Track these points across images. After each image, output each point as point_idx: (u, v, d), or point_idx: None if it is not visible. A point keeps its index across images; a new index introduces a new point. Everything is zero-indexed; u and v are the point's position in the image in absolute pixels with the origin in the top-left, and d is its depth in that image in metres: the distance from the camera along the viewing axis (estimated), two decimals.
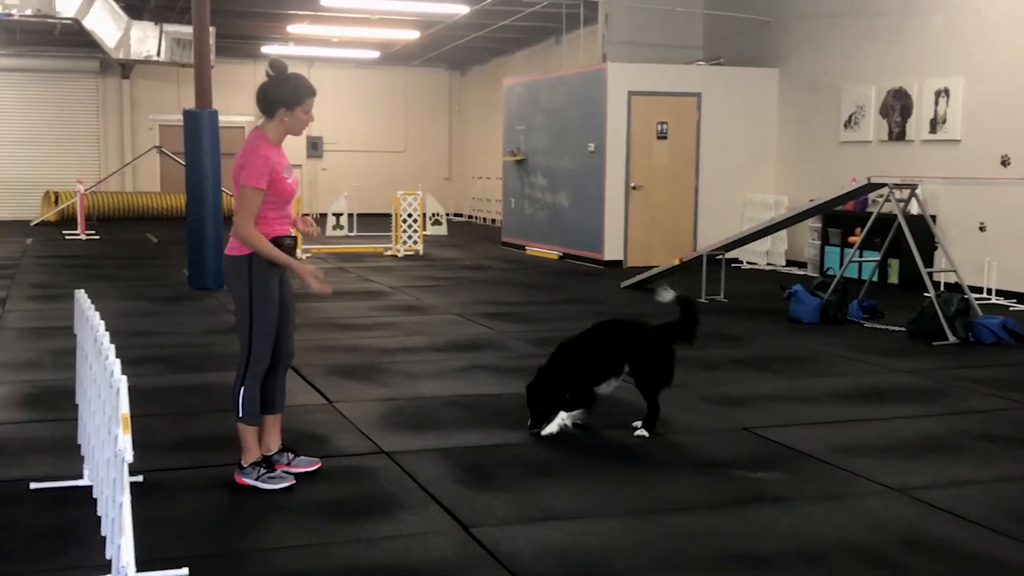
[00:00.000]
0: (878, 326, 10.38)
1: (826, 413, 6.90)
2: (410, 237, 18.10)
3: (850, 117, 14.74)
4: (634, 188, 15.95)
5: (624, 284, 13.38)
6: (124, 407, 3.68)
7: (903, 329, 10.01)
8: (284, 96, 5.17)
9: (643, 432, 6.18)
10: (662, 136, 16.00)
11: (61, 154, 26.63)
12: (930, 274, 10.32)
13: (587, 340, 6.40)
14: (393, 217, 18.28)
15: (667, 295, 6.66)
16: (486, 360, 8.51)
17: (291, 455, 5.47)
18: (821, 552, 4.40)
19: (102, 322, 4.77)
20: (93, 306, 5.33)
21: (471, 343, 9.30)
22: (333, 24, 22.27)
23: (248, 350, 5.19)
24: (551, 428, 6.11)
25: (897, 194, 10.64)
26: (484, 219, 26.98)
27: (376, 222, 22.46)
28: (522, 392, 6.26)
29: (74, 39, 22.38)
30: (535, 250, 18.12)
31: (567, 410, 6.13)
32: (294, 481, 5.23)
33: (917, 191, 10.97)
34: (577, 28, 20.06)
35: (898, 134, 13.92)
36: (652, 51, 17.33)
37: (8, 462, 5.58)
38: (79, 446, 5.66)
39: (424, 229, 19.06)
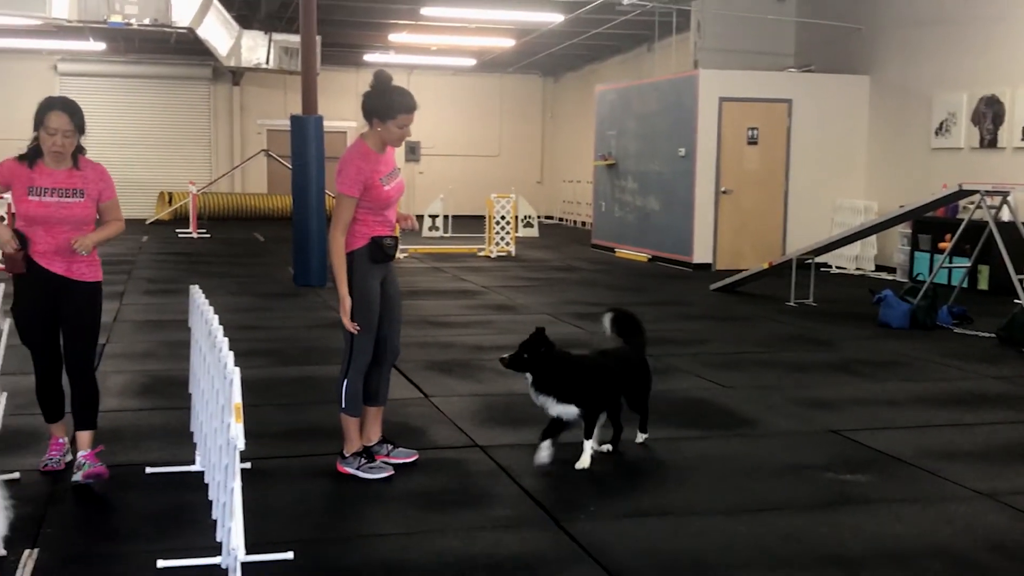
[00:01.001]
0: (968, 332, 10.13)
1: (915, 417, 6.75)
2: (503, 238, 18.15)
3: (941, 124, 14.41)
4: (724, 192, 15.79)
5: (713, 287, 13.26)
6: (237, 397, 3.75)
7: (993, 335, 9.76)
8: (378, 108, 5.19)
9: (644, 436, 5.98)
10: (752, 142, 15.82)
11: (175, 156, 27.28)
12: (1021, 280, 10.07)
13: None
14: (487, 219, 18.36)
15: (605, 319, 6.32)
16: None
17: (390, 447, 5.52)
18: (909, 555, 4.31)
19: (216, 316, 4.86)
20: (207, 301, 5.45)
21: (561, 342, 9.27)
22: (432, 33, 22.45)
23: (350, 345, 5.25)
24: (584, 462, 5.53)
25: (988, 201, 10.47)
26: (574, 222, 26.94)
27: (470, 224, 22.57)
28: None
29: (188, 47, 22.90)
30: (624, 252, 18.04)
31: (587, 437, 5.58)
32: (393, 471, 5.29)
33: (1009, 198, 10.73)
34: (669, 35, 19.91)
35: (990, 141, 13.57)
36: (743, 58, 17.15)
37: (125, 447, 5.73)
38: (191, 433, 5.77)
39: (516, 231, 19.11)
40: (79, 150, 5.12)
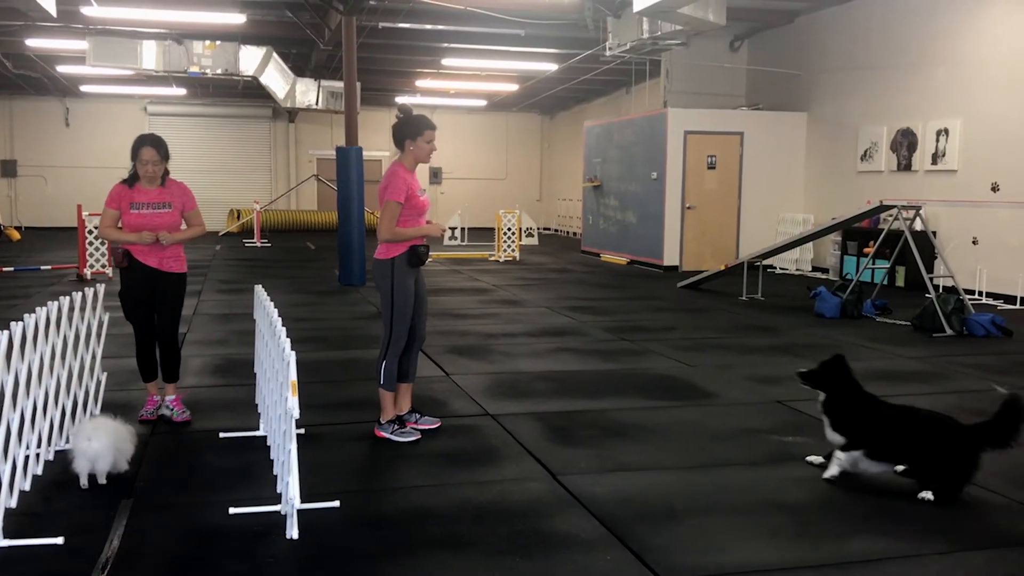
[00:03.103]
0: (887, 321, 10.10)
1: None
2: (509, 246, 18.14)
3: (866, 151, 14.36)
4: (689, 208, 15.76)
5: (680, 284, 13.24)
6: (293, 375, 3.76)
7: (908, 323, 9.73)
8: (408, 130, 5.24)
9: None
10: (711, 167, 15.78)
11: (242, 180, 27.31)
12: (931, 279, 10.06)
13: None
14: (496, 230, 18.35)
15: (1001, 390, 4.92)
16: (569, 344, 8.48)
17: (418, 415, 5.52)
18: (842, 502, 4.30)
19: (275, 309, 4.86)
20: (268, 298, 5.46)
21: (557, 330, 9.29)
22: (451, 79, 22.46)
23: (389, 333, 5.25)
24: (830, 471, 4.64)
25: (904, 214, 10.44)
26: (568, 232, 26.91)
27: (482, 234, 22.57)
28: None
29: (252, 92, 22.93)
30: (608, 256, 18.01)
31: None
32: (420, 436, 5.28)
33: (921, 212, 10.69)
34: (643, 80, 19.88)
35: (905, 165, 13.52)
36: (704, 99, 17.10)
37: (203, 416, 5.73)
38: (256, 405, 5.80)
39: (520, 240, 19.08)
40: (165, 172, 5.50)
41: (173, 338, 5.61)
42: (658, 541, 3.80)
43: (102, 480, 4.38)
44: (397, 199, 5.13)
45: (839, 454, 4.58)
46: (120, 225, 5.42)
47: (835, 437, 4.60)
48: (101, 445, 4.34)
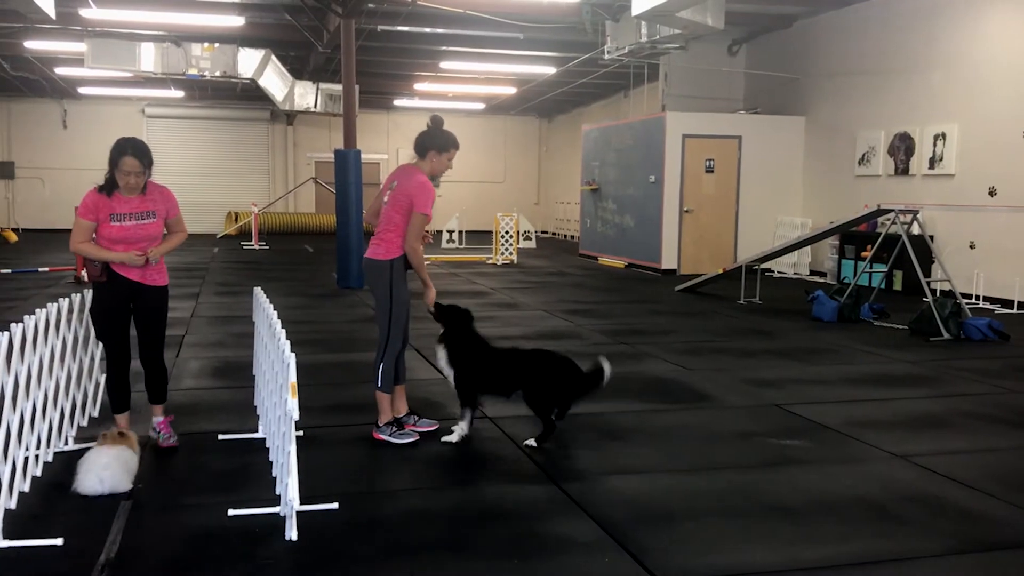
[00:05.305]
0: (885, 324, 10.13)
1: (842, 394, 6.75)
2: (507, 249, 18.16)
3: (863, 156, 14.40)
4: (686, 211, 15.79)
5: (678, 288, 13.26)
6: (292, 377, 3.77)
7: (905, 327, 9.75)
8: (437, 142, 5.29)
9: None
10: (709, 170, 15.81)
11: (240, 183, 27.32)
12: (928, 283, 10.08)
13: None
14: (493, 233, 18.37)
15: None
16: (567, 346, 8.49)
17: (416, 417, 5.53)
18: (837, 504, 4.32)
19: (274, 312, 4.87)
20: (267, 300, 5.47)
21: (555, 333, 9.31)
22: (449, 83, 22.48)
23: (387, 334, 5.26)
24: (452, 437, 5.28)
25: (902, 218, 10.45)
26: (565, 235, 26.93)
27: (480, 237, 22.58)
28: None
29: (251, 94, 22.94)
30: (606, 260, 18.03)
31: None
32: (418, 438, 5.30)
33: (918, 216, 10.72)
34: (642, 84, 19.92)
35: (903, 170, 13.56)
36: (702, 102, 17.15)
37: (202, 418, 5.74)
38: (255, 407, 5.80)
39: (518, 243, 19.10)
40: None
41: (158, 354, 5.14)
42: (656, 543, 3.81)
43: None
44: (430, 213, 5.19)
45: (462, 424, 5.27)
46: (97, 236, 4.89)
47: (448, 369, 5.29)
48: (114, 482, 4.29)
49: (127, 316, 5.01)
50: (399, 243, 5.20)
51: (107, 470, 4.29)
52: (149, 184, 4.96)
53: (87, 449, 5.00)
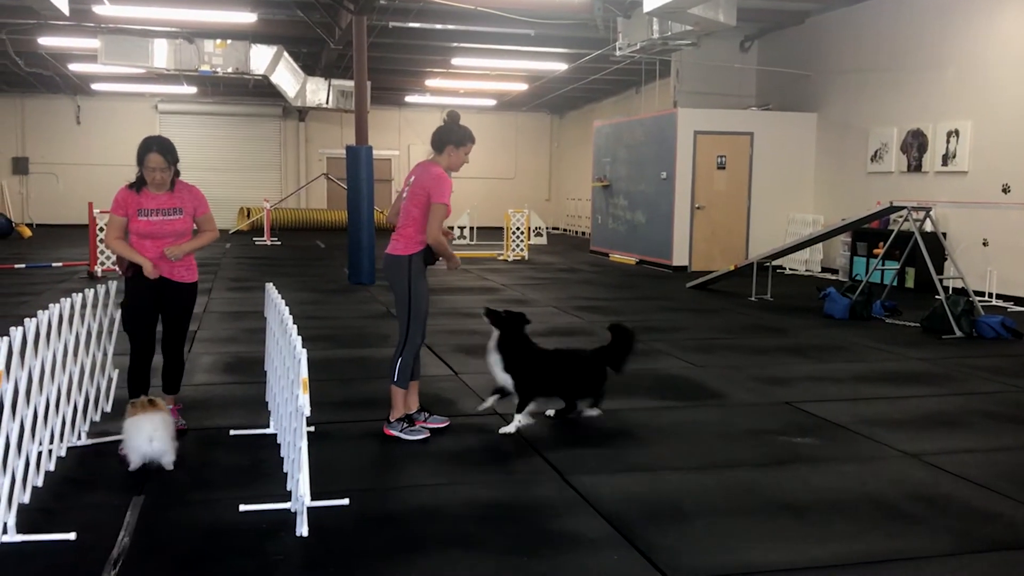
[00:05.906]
0: (897, 322, 10.08)
1: (854, 391, 6.73)
2: (518, 245, 18.15)
3: (876, 152, 14.33)
4: (698, 208, 15.75)
5: (689, 285, 13.23)
6: (304, 373, 3.77)
7: (918, 325, 9.71)
8: (455, 137, 5.29)
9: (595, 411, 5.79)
10: (721, 167, 15.77)
11: (252, 178, 27.39)
12: (941, 280, 10.03)
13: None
14: (504, 230, 18.37)
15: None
16: (578, 343, 8.46)
17: (427, 414, 5.54)
18: (848, 503, 4.30)
19: (286, 307, 4.89)
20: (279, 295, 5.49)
21: (566, 330, 9.30)
22: (461, 79, 22.47)
23: (407, 330, 5.26)
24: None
25: (914, 215, 10.41)
26: (576, 232, 26.91)
27: (491, 233, 22.58)
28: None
29: (263, 90, 22.99)
30: (617, 256, 18.01)
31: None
32: (429, 434, 5.30)
33: (931, 213, 10.68)
34: (653, 80, 19.86)
35: (915, 167, 13.49)
36: (714, 99, 17.10)
37: (214, 414, 5.77)
38: (266, 403, 5.82)
39: (528, 239, 19.10)
40: (176, 174, 5.17)
41: (179, 348, 5.30)
42: (665, 541, 3.81)
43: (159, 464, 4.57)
44: (449, 203, 5.18)
45: (519, 417, 5.40)
46: (128, 232, 5.09)
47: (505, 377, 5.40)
48: (163, 445, 4.50)
49: (154, 311, 5.17)
50: (418, 238, 5.20)
51: (157, 430, 4.49)
52: (178, 183, 5.16)
53: (99, 444, 5.03)
